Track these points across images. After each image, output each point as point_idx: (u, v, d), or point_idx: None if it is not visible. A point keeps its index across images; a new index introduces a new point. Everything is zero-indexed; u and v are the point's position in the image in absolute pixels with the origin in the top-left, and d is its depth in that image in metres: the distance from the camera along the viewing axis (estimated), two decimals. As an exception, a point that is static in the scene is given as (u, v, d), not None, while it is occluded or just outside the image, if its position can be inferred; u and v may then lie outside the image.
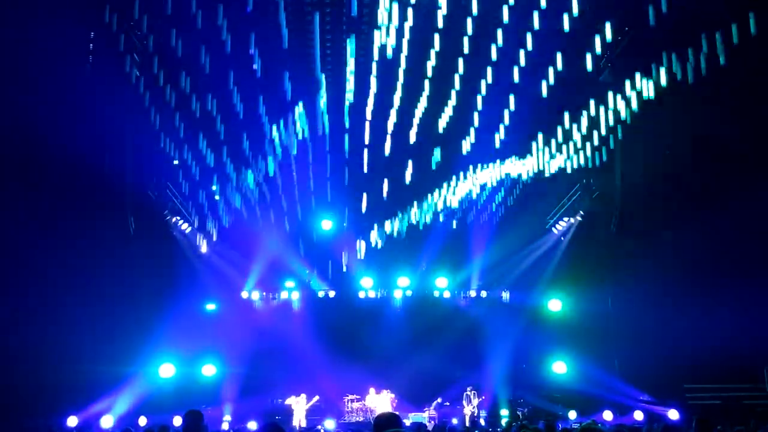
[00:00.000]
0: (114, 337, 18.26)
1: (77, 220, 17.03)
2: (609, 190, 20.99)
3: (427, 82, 17.46)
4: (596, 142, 18.28)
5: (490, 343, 21.50)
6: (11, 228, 15.74)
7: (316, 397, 19.61)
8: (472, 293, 23.51)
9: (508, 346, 21.72)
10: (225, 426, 18.70)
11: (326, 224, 22.63)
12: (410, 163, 20.82)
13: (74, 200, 17.10)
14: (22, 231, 15.95)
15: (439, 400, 20.86)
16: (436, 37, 15.67)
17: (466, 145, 19.54)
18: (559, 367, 21.75)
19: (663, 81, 15.21)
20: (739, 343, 17.89)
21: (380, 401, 20.17)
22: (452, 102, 18.04)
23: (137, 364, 19.11)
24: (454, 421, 19.59)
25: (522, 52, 15.74)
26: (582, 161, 19.08)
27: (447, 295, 23.45)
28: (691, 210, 18.64)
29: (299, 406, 19.45)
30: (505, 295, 23.32)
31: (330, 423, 18.97)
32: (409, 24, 15.22)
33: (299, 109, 18.90)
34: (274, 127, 18.99)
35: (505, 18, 14.83)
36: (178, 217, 21.59)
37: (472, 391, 20.52)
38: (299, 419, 19.17)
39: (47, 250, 16.27)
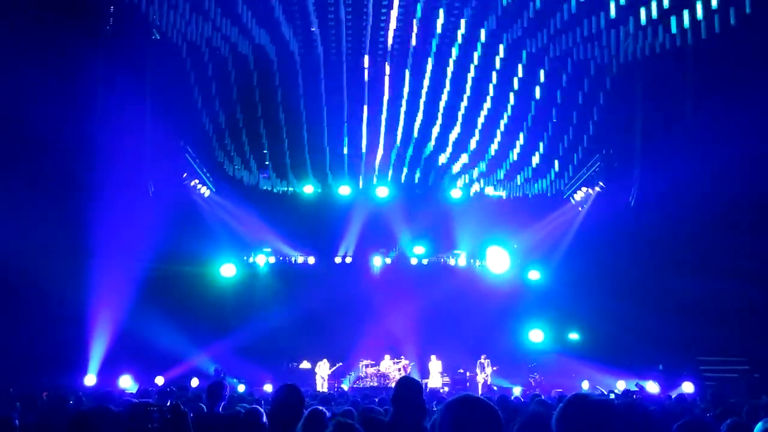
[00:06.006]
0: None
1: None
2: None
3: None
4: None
5: (506, 312, 21.57)
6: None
7: (339, 363, 19.76)
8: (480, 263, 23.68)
9: (524, 316, 21.85)
10: (241, 388, 18.78)
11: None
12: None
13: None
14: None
15: (461, 370, 21.01)
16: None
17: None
18: (574, 335, 21.87)
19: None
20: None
21: (394, 368, 20.30)
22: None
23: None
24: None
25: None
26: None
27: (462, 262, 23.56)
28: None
29: (322, 370, 19.62)
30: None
31: (344, 386, 19.13)
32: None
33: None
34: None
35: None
36: (197, 181, 21.44)
37: (486, 359, 20.56)
38: (322, 383, 19.34)
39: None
